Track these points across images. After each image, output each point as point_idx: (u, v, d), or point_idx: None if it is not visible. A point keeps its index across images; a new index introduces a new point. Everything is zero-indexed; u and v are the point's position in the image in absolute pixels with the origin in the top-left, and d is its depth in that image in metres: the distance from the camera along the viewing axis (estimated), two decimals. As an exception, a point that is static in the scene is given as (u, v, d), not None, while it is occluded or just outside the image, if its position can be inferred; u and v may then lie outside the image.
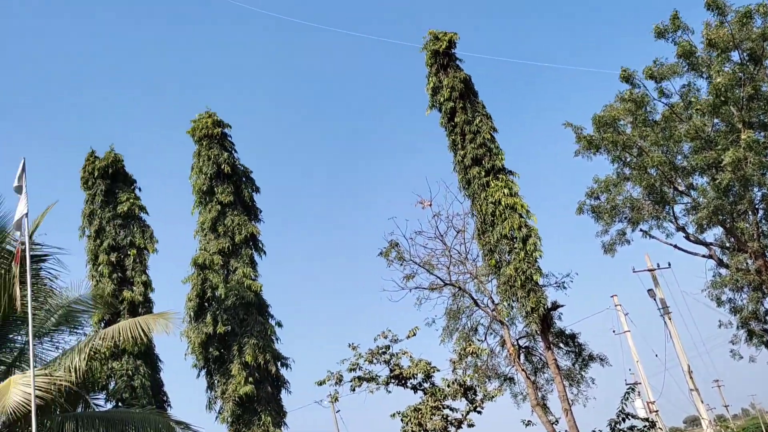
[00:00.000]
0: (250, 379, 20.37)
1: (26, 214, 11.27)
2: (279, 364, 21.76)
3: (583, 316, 53.79)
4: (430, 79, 21.99)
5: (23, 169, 11.65)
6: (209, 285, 21.90)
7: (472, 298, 20.95)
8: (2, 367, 14.38)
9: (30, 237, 13.04)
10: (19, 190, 12.07)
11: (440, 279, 20.90)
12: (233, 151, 24.68)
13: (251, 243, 23.27)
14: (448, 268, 20.93)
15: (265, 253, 23.60)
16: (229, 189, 23.37)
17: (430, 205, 20.96)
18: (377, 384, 18.02)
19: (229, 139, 24.92)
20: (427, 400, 16.50)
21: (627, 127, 23.53)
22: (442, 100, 21.33)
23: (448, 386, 16.69)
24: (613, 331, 35.73)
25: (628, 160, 23.75)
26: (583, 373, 20.80)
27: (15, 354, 14.74)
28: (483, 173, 20.35)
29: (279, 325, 22.55)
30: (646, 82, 22.95)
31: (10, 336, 14.14)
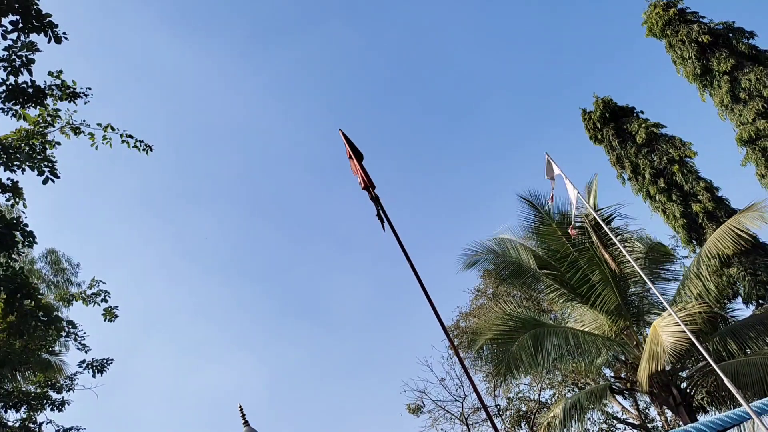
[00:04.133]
0: None
1: (578, 192, 12.52)
2: None
3: None
4: None
5: (549, 163, 13.06)
6: (774, 153, 19.67)
7: None
8: (633, 319, 15.68)
9: (594, 208, 14.34)
10: (553, 178, 13.59)
11: None
12: (700, 19, 22.24)
13: (786, 86, 19.99)
14: None
15: (809, 87, 19.84)
16: (722, 54, 21.02)
17: None
18: None
19: (688, 10, 22.64)
20: None
21: None
22: None
23: None
24: None
25: None
26: None
27: (638, 305, 15.91)
28: None
29: None
30: None
31: (630, 291, 15.42)
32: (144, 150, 12.21)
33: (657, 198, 21.56)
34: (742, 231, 13.59)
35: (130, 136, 12.10)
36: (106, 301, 13.81)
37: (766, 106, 19.86)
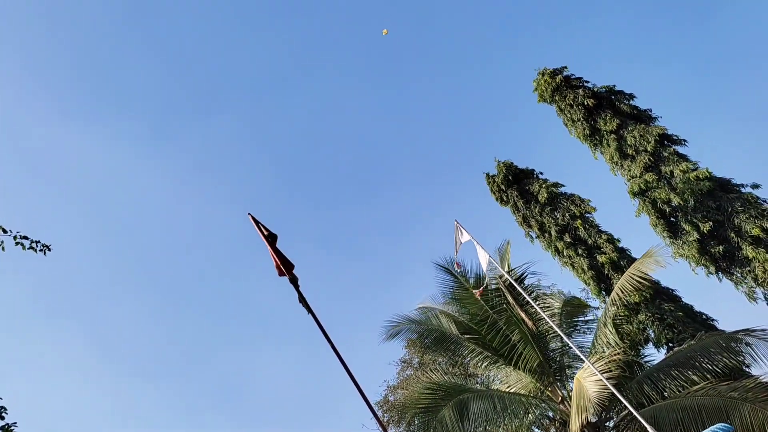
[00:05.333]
0: (770, 249, 18.51)
1: (489, 256, 12.90)
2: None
3: None
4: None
5: (458, 229, 13.46)
6: (661, 201, 21.09)
7: None
8: (556, 374, 16.04)
9: (508, 269, 14.75)
10: (465, 246, 13.98)
11: None
12: (584, 84, 24.07)
13: (666, 142, 21.75)
14: None
15: (685, 142, 21.71)
16: (607, 115, 22.72)
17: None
18: None
19: (573, 76, 24.46)
20: None
21: None
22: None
23: None
24: None
25: None
26: None
27: (559, 360, 16.31)
28: None
29: (755, 186, 20.10)
30: None
31: (550, 347, 15.79)
32: (41, 250, 11.56)
33: (565, 253, 22.48)
34: (642, 277, 14.33)
35: (25, 237, 11.41)
36: (2, 418, 12.62)
37: (651, 159, 21.43)
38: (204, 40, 62.01)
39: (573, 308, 16.82)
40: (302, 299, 8.03)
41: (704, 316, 20.08)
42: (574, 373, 15.40)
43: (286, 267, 8.53)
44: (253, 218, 9.24)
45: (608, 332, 14.97)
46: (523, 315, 14.27)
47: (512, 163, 24.82)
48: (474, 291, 14.58)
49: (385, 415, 23.82)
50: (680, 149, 21.53)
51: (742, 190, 20.24)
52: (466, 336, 15.98)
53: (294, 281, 8.42)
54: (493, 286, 15.50)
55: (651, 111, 22.79)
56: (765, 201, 19.69)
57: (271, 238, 9.08)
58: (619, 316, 16.02)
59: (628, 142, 22.00)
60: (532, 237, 24.00)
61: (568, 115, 23.77)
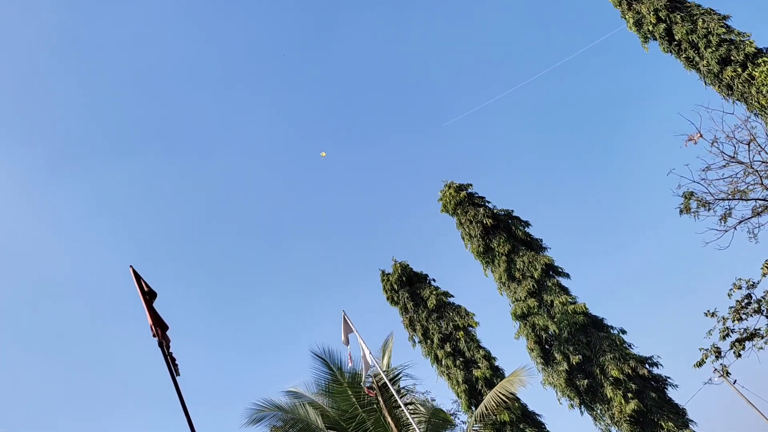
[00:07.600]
0: (629, 394, 19.54)
1: (369, 353, 12.83)
2: (647, 365, 20.61)
3: None
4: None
5: (345, 322, 13.38)
6: (539, 328, 22.06)
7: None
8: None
9: (388, 367, 14.68)
10: (347, 341, 13.90)
11: (762, 200, 18.43)
12: (486, 204, 25.39)
13: (551, 272, 23.09)
14: (762, 183, 18.43)
15: (568, 275, 23.14)
16: (502, 237, 23.90)
17: (701, 135, 18.92)
18: (763, 336, 16.13)
19: (476, 195, 25.78)
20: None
21: None
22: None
23: None
24: None
25: None
26: None
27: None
28: (738, 68, 18.18)
29: (623, 331, 21.54)
30: None
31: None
32: None
33: (443, 362, 22.74)
34: (508, 396, 14.66)
35: None
36: None
37: (536, 286, 22.57)
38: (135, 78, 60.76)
39: (438, 420, 16.80)
40: (168, 363, 7.58)
41: (563, 446, 20.64)
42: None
43: (159, 327, 8.11)
44: (135, 272, 8.79)
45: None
46: (389, 420, 14.09)
47: (408, 264, 25.36)
48: (367, 390, 14.35)
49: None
50: (563, 281, 22.88)
51: (612, 331, 21.55)
52: (330, 431, 15.48)
53: (165, 343, 7.98)
54: (368, 384, 15.31)
55: (542, 241, 24.28)
56: (630, 346, 21.01)
57: (150, 296, 8.65)
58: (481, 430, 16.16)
59: (517, 266, 23.13)
60: (415, 341, 24.20)
61: (467, 230, 24.82)
